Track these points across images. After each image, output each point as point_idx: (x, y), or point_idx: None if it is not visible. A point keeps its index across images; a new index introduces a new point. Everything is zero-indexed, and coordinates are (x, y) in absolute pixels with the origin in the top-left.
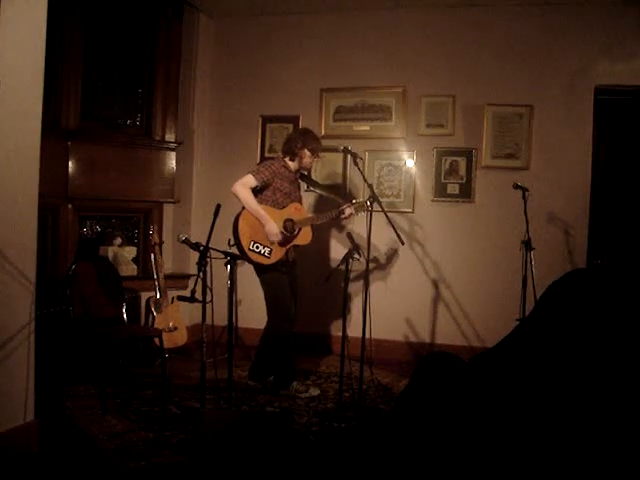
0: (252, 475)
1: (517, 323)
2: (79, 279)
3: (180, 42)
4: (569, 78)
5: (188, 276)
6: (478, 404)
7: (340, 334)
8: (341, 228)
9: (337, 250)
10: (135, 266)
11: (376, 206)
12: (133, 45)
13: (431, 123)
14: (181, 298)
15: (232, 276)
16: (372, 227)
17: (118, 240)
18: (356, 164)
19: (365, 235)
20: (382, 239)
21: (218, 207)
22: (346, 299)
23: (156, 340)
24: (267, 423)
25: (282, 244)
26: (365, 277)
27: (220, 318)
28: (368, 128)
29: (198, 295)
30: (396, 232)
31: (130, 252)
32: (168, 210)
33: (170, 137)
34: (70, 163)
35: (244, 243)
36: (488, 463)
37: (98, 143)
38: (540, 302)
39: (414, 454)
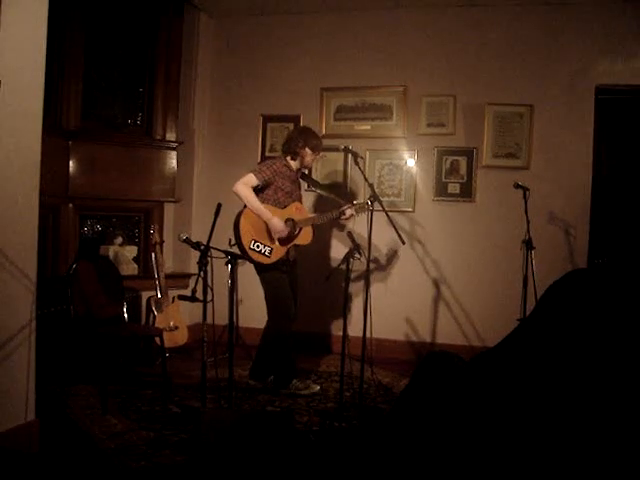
0: (253, 475)
1: (518, 323)
2: (80, 278)
3: (181, 42)
4: (569, 78)
5: (189, 275)
6: (478, 404)
7: (340, 333)
8: (342, 227)
9: (338, 249)
10: (136, 265)
11: (377, 205)
12: (134, 45)
13: (432, 122)
14: (182, 297)
15: (233, 275)
16: (373, 226)
17: (119, 239)
18: (357, 163)
19: (366, 234)
20: (383, 239)
21: (219, 206)
22: (347, 298)
23: (157, 339)
24: (268, 422)
25: (283, 243)
26: (366, 276)
27: (221, 317)
28: (369, 127)
29: (199, 294)
30: (397, 232)
31: (131, 251)
32: (169, 209)
33: (171, 136)
34: (71, 163)
35: (245, 242)
36: (488, 463)
37: (99, 143)
38: (541, 302)
39: (415, 454)
